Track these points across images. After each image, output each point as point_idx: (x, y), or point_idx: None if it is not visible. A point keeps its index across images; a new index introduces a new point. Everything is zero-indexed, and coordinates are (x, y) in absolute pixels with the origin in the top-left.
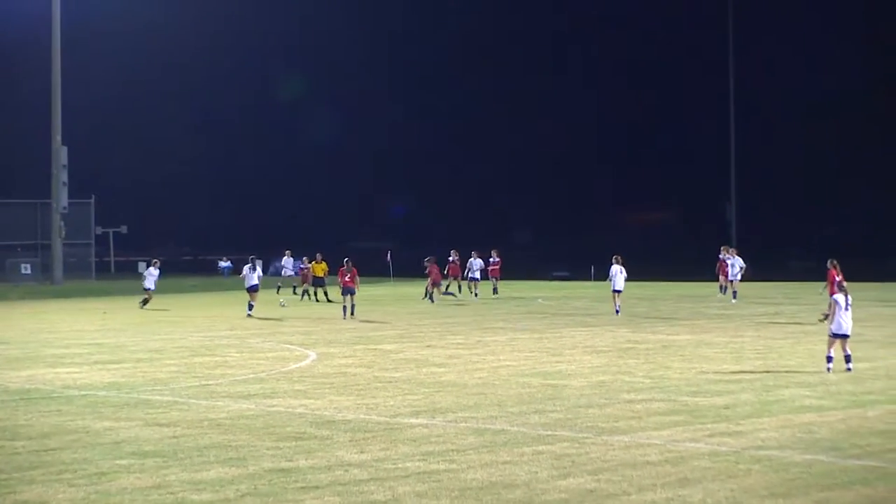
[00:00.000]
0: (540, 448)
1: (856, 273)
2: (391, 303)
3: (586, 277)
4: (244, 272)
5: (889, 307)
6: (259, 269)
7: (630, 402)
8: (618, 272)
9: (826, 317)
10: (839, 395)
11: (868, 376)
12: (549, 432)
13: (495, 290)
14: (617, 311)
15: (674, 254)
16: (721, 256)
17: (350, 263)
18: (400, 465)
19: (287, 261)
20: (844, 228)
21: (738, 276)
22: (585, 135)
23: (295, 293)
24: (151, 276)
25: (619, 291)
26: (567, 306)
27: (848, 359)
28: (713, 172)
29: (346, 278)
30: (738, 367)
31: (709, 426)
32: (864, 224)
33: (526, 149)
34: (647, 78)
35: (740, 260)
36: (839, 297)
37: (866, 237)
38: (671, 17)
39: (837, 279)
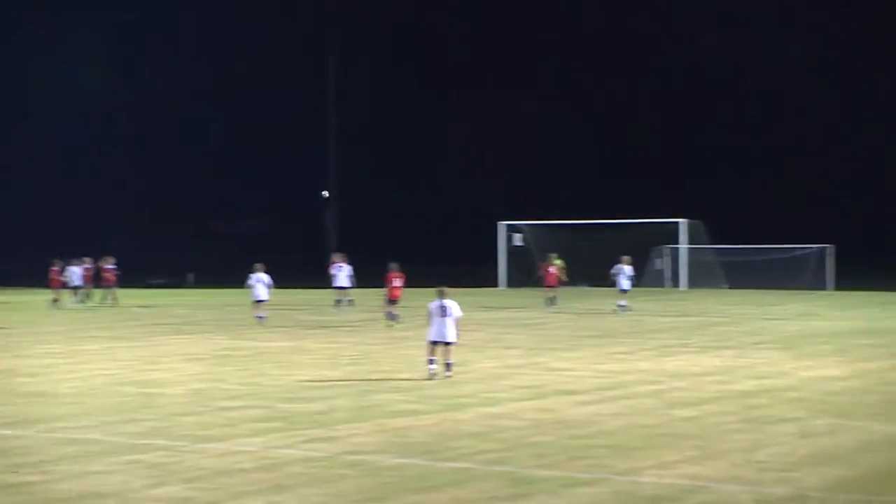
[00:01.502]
0: (134, 457)
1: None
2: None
3: (184, 284)
4: None
5: (485, 312)
6: None
7: (226, 409)
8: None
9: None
10: (433, 400)
11: (461, 380)
12: (144, 441)
13: (106, 298)
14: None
15: (268, 261)
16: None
17: None
18: None
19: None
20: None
21: (345, 283)
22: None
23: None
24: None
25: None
26: (165, 314)
27: (448, 367)
28: (309, 178)
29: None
30: (333, 373)
31: (304, 432)
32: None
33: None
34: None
35: (349, 268)
36: (434, 304)
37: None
38: None
39: (397, 283)
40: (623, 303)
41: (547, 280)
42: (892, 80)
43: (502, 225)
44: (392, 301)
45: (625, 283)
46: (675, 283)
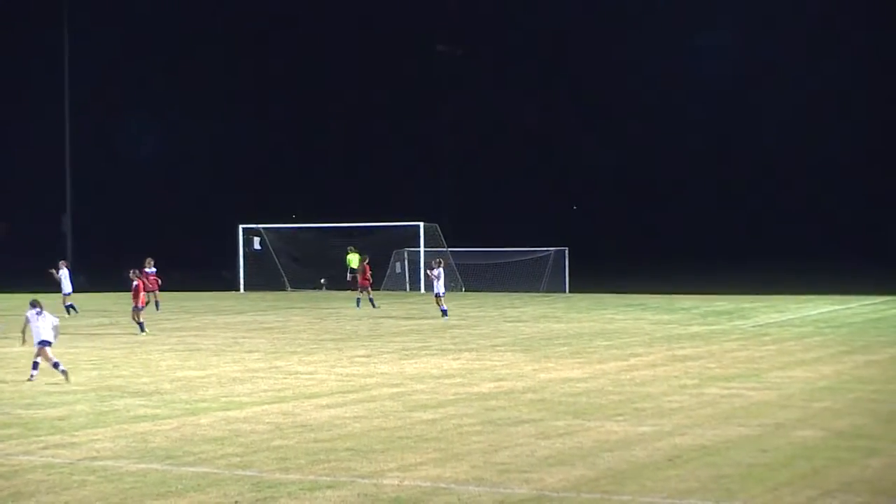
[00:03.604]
0: None
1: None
2: None
3: None
4: None
5: (224, 315)
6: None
7: None
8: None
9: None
10: (173, 404)
11: (201, 384)
12: None
13: None
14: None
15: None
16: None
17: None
18: None
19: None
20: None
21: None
22: None
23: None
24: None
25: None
26: None
27: (56, 365)
28: (47, 184)
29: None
30: (73, 378)
31: (43, 438)
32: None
33: None
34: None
35: (68, 272)
36: (31, 313)
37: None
38: None
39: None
40: (442, 307)
41: (360, 279)
42: (610, 91)
43: (241, 228)
44: (141, 308)
45: (439, 287)
46: (414, 287)
